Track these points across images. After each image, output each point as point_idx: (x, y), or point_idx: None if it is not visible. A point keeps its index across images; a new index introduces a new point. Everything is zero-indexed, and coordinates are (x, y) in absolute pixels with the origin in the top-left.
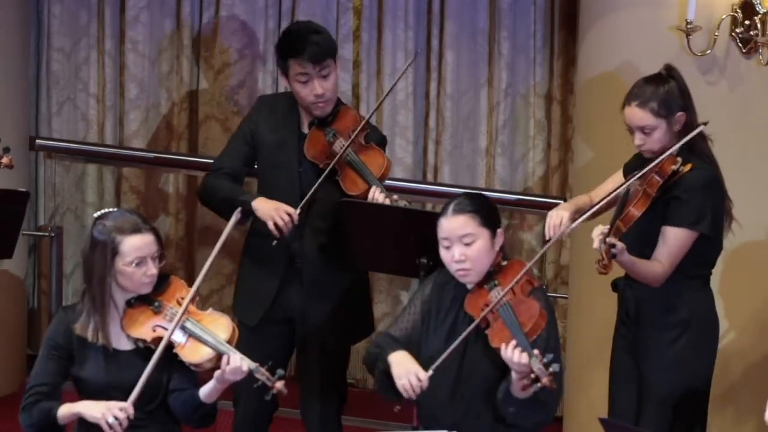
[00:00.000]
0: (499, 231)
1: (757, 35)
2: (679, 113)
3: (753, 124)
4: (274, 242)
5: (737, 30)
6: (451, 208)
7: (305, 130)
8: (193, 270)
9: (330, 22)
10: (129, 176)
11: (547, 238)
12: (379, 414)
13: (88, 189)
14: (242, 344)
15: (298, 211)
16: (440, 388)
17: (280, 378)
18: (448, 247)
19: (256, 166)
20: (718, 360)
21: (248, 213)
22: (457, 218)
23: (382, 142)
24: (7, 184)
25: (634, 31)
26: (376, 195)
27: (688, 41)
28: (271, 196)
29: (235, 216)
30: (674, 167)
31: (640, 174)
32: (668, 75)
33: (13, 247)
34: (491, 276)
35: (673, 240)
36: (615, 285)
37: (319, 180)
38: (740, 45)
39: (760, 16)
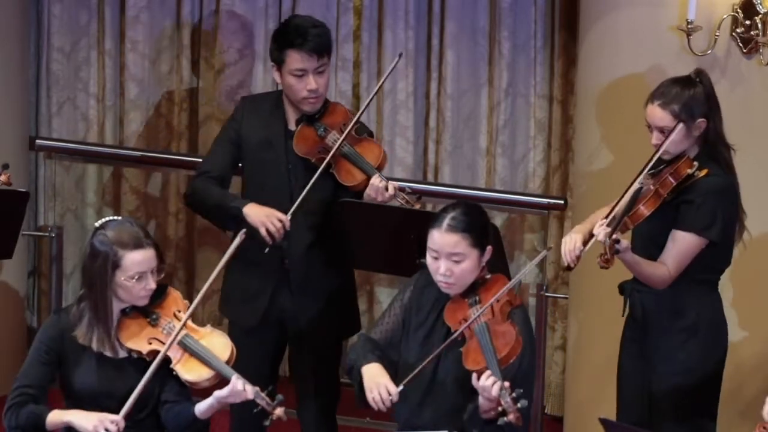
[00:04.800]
0: (489, 248)
1: (757, 35)
2: (701, 119)
3: (754, 124)
4: (266, 249)
5: (738, 30)
6: (446, 222)
7: (292, 127)
8: (192, 270)
9: (330, 22)
10: (129, 176)
11: (565, 265)
12: (377, 414)
13: (88, 189)
14: (238, 347)
15: (289, 216)
16: (413, 393)
17: (279, 403)
18: (435, 258)
19: (240, 166)
20: (730, 365)
21: (238, 219)
22: (451, 236)
23: (371, 136)
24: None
25: (634, 31)
26: (378, 183)
27: (688, 41)
28: (259, 195)
29: (240, 237)
30: (689, 171)
31: (652, 172)
32: (697, 79)
33: (13, 247)
34: (474, 289)
35: (681, 244)
36: (622, 288)
37: (315, 176)
38: (741, 45)
39: (760, 16)
